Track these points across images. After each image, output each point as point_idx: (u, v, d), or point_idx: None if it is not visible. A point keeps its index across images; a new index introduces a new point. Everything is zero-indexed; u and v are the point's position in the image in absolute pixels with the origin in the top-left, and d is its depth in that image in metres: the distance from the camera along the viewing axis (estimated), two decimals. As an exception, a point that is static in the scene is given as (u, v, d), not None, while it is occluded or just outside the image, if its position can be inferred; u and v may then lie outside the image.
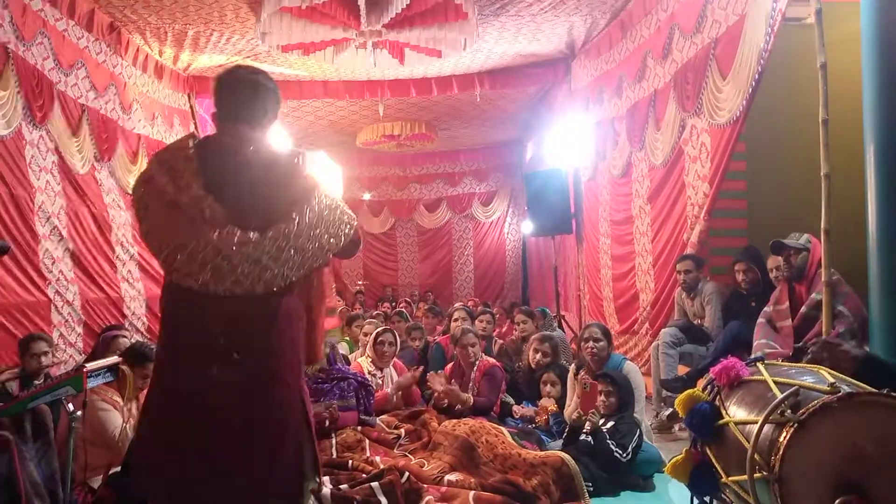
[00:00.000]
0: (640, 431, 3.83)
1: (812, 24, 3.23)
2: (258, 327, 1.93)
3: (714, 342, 4.66)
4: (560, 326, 7.42)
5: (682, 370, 4.82)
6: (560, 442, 4.06)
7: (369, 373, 4.94)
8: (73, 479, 3.04)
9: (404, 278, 13.71)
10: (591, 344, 4.32)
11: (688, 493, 1.87)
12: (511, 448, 3.80)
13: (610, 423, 3.82)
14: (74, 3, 5.42)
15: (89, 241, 5.52)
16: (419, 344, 6.06)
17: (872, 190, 2.96)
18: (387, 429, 4.43)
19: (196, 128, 7.78)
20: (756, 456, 1.46)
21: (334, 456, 3.91)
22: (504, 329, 7.57)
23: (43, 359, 3.94)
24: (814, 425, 1.43)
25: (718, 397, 1.70)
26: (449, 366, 5.07)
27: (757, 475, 1.46)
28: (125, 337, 4.39)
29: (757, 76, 4.28)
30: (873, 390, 1.48)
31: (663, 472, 3.65)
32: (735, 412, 1.62)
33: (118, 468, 3.35)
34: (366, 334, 5.55)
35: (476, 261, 13.64)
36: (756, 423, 1.48)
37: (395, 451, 4.16)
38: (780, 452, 1.42)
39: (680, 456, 1.76)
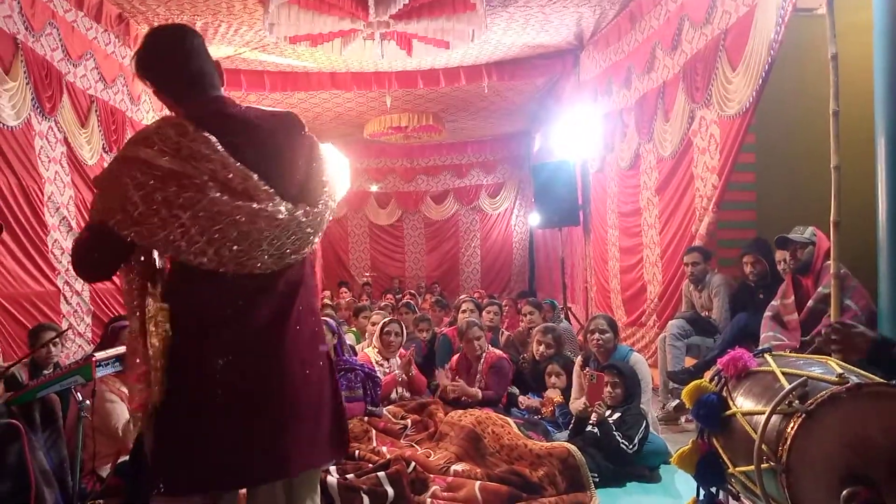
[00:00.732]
0: (647, 423, 3.83)
1: (823, 14, 3.19)
2: (286, 297, 1.85)
3: (721, 334, 4.65)
4: (567, 318, 7.41)
5: (689, 362, 4.81)
6: (566, 433, 4.06)
7: (376, 363, 4.96)
8: (82, 467, 3.06)
9: (411, 270, 13.72)
10: (597, 336, 4.33)
11: (694, 484, 1.87)
12: (517, 439, 3.81)
13: (616, 415, 3.82)
14: (83, -7, 5.44)
15: (98, 232, 5.54)
16: (426, 335, 6.07)
17: (882, 182, 2.94)
18: (393, 419, 4.44)
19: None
20: (763, 446, 1.46)
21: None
22: (510, 321, 7.58)
23: (52, 349, 3.96)
24: (822, 416, 1.42)
25: (725, 388, 1.70)
26: (455, 357, 5.08)
27: (764, 466, 1.46)
28: (133, 327, 4.41)
29: (767, 67, 4.25)
30: (882, 381, 1.47)
31: (670, 464, 3.66)
32: (742, 403, 1.62)
33: (126, 457, 3.39)
34: (373, 325, 5.57)
35: (483, 253, 13.64)
36: (763, 413, 1.48)
37: (401, 441, 4.18)
38: (788, 443, 1.41)
39: (687, 447, 1.76)
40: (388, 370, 5.02)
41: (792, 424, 1.42)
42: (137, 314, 1.80)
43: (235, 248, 1.69)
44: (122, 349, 3.18)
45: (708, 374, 1.79)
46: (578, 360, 4.57)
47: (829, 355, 1.94)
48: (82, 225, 5.29)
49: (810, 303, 3.81)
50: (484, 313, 6.33)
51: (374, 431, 4.15)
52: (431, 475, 3.56)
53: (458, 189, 13.50)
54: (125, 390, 3.51)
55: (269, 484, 1.90)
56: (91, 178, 5.44)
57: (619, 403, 3.90)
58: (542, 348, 4.96)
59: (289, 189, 1.82)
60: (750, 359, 1.68)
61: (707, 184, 5.14)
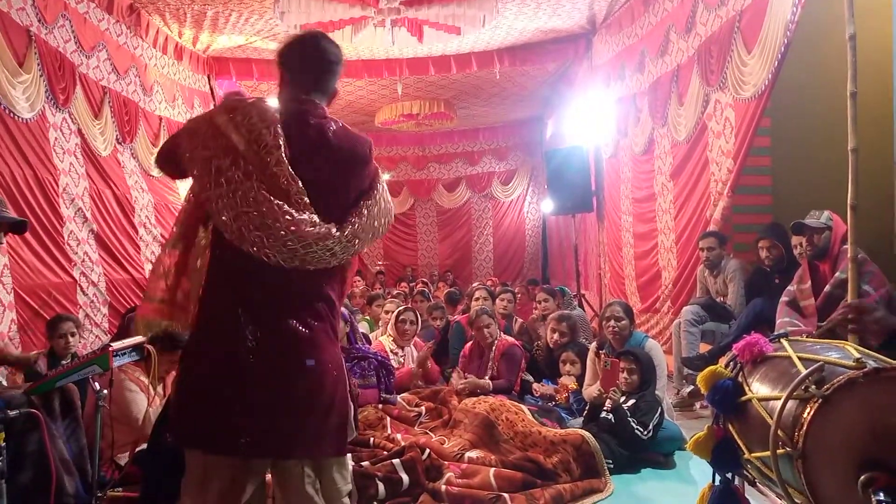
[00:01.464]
0: (662, 409, 3.82)
1: (841, -7, 3.13)
2: (309, 295, 1.94)
3: (736, 320, 4.62)
4: (580, 305, 7.40)
5: (704, 348, 4.79)
6: (580, 420, 4.06)
7: (391, 351, 4.98)
8: (101, 456, 3.10)
9: (424, 258, 13.73)
10: (612, 323, 4.31)
11: (709, 471, 1.86)
12: (531, 426, 3.82)
13: (631, 401, 3.82)
14: (94, -15, 5.45)
15: (113, 223, 5.59)
16: (440, 323, 6.08)
17: (901, 164, 2.89)
18: (407, 407, 4.46)
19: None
20: (780, 432, 1.45)
21: (356, 433, 3.95)
22: (523, 308, 7.56)
23: (70, 339, 4.01)
24: (839, 401, 1.40)
25: (741, 374, 1.68)
26: (468, 345, 5.08)
27: (780, 451, 1.44)
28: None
29: (783, 49, 4.19)
30: (901, 366, 1.45)
31: (684, 450, 3.66)
32: (758, 388, 1.60)
33: (144, 446, 3.43)
34: (387, 312, 5.59)
35: (495, 240, 13.61)
36: (779, 399, 1.47)
37: (415, 428, 4.20)
38: (804, 428, 1.40)
39: (702, 433, 1.75)
40: (402, 358, 5.04)
41: (808, 410, 1.41)
42: (184, 232, 2.01)
43: (255, 233, 1.80)
44: (139, 339, 3.21)
45: (723, 360, 1.77)
46: (593, 346, 4.56)
47: (846, 338, 1.92)
48: (97, 216, 5.35)
49: (828, 288, 3.77)
50: (497, 301, 6.33)
51: (388, 419, 4.17)
52: (446, 462, 3.58)
53: (471, 176, 13.46)
54: (144, 380, 3.55)
55: (297, 464, 1.97)
56: (105, 170, 5.51)
57: (635, 390, 3.89)
58: (556, 336, 4.95)
59: (331, 207, 1.92)
60: (766, 344, 1.66)
61: (722, 168, 5.09)
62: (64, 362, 3.77)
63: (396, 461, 3.42)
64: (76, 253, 5.01)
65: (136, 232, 5.97)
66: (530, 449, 3.66)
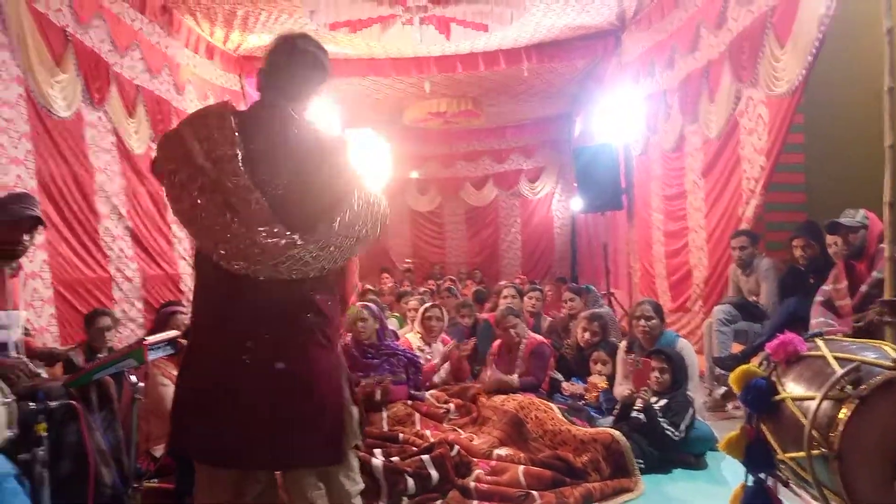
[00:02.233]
0: (693, 409, 3.79)
1: (878, -15, 3.07)
2: (293, 305, 1.92)
3: (769, 319, 4.55)
4: (609, 304, 7.34)
5: (737, 348, 4.73)
6: (610, 419, 4.04)
7: (418, 348, 5.01)
8: (137, 447, 3.17)
9: (452, 256, 13.72)
10: (642, 322, 4.28)
11: (741, 472, 1.84)
12: (560, 424, 3.81)
13: (662, 401, 3.79)
14: (128, -14, 5.55)
15: (147, 220, 5.69)
16: (468, 321, 6.09)
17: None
18: (436, 403, 4.48)
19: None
20: (814, 432, 1.43)
21: (385, 429, 3.99)
22: (551, 306, 7.53)
23: (107, 333, 4.10)
24: (875, 402, 1.39)
25: (775, 373, 1.66)
26: (497, 343, 5.08)
27: (815, 452, 1.43)
28: (183, 313, 4.52)
29: (817, 44, 4.11)
30: (941, 367, 1.42)
31: (716, 450, 3.62)
32: (792, 388, 1.58)
33: (179, 438, 3.49)
34: (414, 310, 5.61)
35: (524, 238, 13.54)
36: (814, 399, 1.45)
37: (444, 425, 4.21)
38: (840, 429, 1.38)
39: (734, 432, 1.73)
40: (429, 355, 5.06)
41: (844, 410, 1.39)
42: None
43: (223, 247, 1.79)
44: (173, 333, 3.27)
45: (756, 359, 1.75)
46: (623, 345, 4.53)
47: (882, 338, 1.89)
48: (132, 213, 5.46)
49: (864, 287, 3.70)
50: (526, 299, 6.32)
51: (417, 415, 4.20)
52: (475, 459, 3.60)
53: (498, 174, 13.40)
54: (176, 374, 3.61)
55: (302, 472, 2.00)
56: (139, 168, 5.61)
57: (666, 390, 3.86)
58: (587, 335, 4.92)
59: (301, 212, 1.87)
60: (800, 343, 1.64)
61: (755, 165, 5.01)
62: (100, 356, 3.85)
63: (426, 457, 3.44)
64: (112, 249, 5.12)
65: (170, 228, 6.07)
66: (560, 447, 3.65)
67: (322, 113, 7.85)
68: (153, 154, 5.82)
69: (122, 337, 4.93)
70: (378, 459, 3.36)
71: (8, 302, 3.07)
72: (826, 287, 3.95)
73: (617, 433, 3.59)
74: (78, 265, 4.70)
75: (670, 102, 6.60)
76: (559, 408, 4.06)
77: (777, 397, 1.60)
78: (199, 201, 1.78)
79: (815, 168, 5.20)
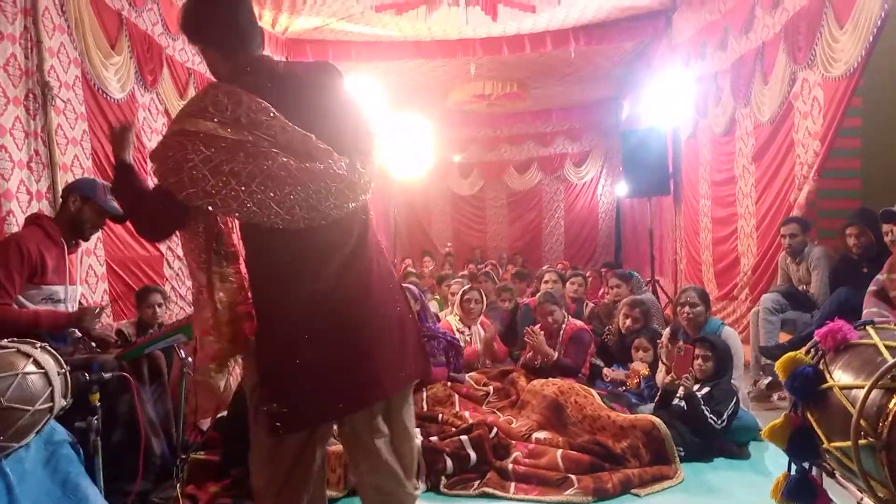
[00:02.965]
0: (737, 398, 3.73)
1: (946, -38, 2.93)
2: (349, 240, 1.93)
3: (820, 309, 4.43)
4: (654, 291, 7.24)
5: (784, 338, 4.62)
6: (651, 406, 4.00)
7: (457, 330, 5.03)
8: (185, 420, 3.27)
9: (493, 241, 13.68)
10: (687, 309, 4.22)
11: (783, 463, 1.81)
12: (600, 409, 3.79)
13: (705, 389, 3.74)
14: (180, -31, 5.65)
15: (197, 200, 5.82)
16: (509, 305, 6.09)
17: None
18: (476, 385, 4.50)
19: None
20: (862, 421, 1.39)
21: (425, 409, 4.03)
22: (601, 292, 7.48)
23: (157, 309, 4.22)
24: (928, 393, 1.34)
25: (822, 361, 1.62)
26: (536, 327, 5.06)
27: (862, 441, 1.39)
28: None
29: (879, 23, 3.95)
30: None
31: (759, 440, 3.56)
32: (840, 377, 1.54)
33: (224, 413, 3.60)
34: (453, 294, 5.64)
35: (567, 223, 13.41)
36: (863, 387, 1.41)
37: (483, 407, 4.23)
38: (890, 419, 1.34)
39: (779, 420, 1.69)
40: (469, 337, 5.08)
41: (894, 400, 1.35)
42: (205, 269, 1.90)
43: (305, 206, 1.76)
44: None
45: (804, 347, 1.71)
46: (666, 332, 4.48)
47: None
48: (182, 193, 5.57)
49: (920, 277, 3.57)
50: (568, 284, 6.29)
51: (456, 396, 4.23)
52: (513, 441, 3.61)
53: (542, 158, 13.27)
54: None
55: (368, 419, 1.99)
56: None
57: (710, 378, 3.80)
58: (629, 322, 4.88)
59: (339, 138, 1.86)
60: (850, 331, 1.60)
61: (808, 150, 4.86)
62: (151, 331, 3.98)
63: (464, 438, 3.47)
64: (163, 227, 5.25)
65: (218, 208, 6.19)
66: (599, 433, 3.64)
67: (368, 96, 7.89)
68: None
69: (171, 313, 5.07)
70: (417, 439, 3.39)
71: (66, 277, 3.19)
72: (880, 276, 3.82)
73: (657, 420, 3.55)
74: (131, 243, 4.84)
75: (721, 85, 6.44)
76: (599, 393, 4.03)
77: (824, 385, 1.56)
78: (267, 177, 1.70)
79: (871, 153, 5.02)
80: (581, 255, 13.00)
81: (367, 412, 1.98)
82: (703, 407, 3.58)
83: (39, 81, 3.96)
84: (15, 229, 3.55)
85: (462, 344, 4.89)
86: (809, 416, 1.63)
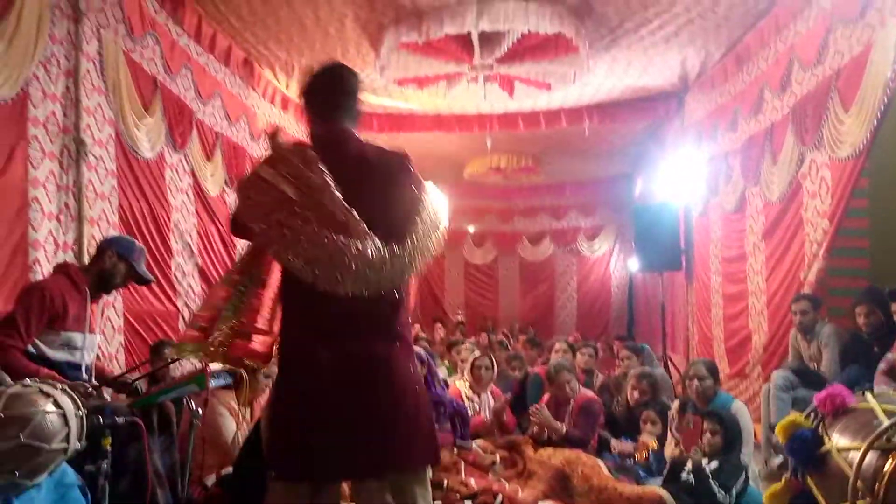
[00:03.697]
0: (746, 475, 3.67)
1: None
2: (379, 316, 2.03)
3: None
4: (666, 367, 7.19)
5: (795, 415, 4.56)
6: (659, 479, 3.94)
7: (467, 397, 5.01)
8: (191, 474, 3.27)
9: (505, 310, 13.66)
10: (696, 382, 4.20)
11: (789, 530, 1.81)
12: (607, 481, 3.75)
13: (714, 464, 3.68)
14: (215, 39, 5.96)
15: (215, 258, 5.96)
16: (518, 374, 6.07)
17: None
18: (482, 453, 4.46)
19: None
20: (859, 483, 1.42)
21: (431, 475, 3.98)
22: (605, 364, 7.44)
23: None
24: (924, 456, 1.37)
25: (822, 425, 1.65)
26: (545, 397, 5.05)
27: (860, 503, 1.41)
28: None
29: (882, 108, 4.09)
30: None
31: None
32: (838, 440, 1.57)
33: (229, 469, 3.59)
34: (463, 360, 5.65)
35: (580, 296, 13.40)
36: (860, 449, 1.44)
37: (490, 475, 4.19)
38: (885, 480, 1.37)
39: (779, 484, 1.71)
40: (478, 405, 5.06)
41: (890, 461, 1.38)
42: (235, 274, 2.17)
43: (328, 270, 1.89)
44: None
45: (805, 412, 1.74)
46: (675, 404, 4.45)
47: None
48: (202, 251, 5.73)
49: (930, 356, 3.57)
50: (578, 355, 6.28)
51: (463, 463, 4.19)
52: (518, 509, 3.56)
53: (556, 231, 13.40)
54: (234, 405, 3.74)
55: (377, 482, 2.02)
56: (212, 209, 5.91)
57: (718, 452, 3.75)
58: (636, 394, 4.86)
59: (385, 225, 1.99)
60: (848, 395, 1.63)
61: (817, 229, 4.94)
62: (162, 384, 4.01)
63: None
64: (181, 284, 5.37)
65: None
66: (605, 504, 3.59)
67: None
68: (227, 197, 6.16)
69: (183, 368, 5.11)
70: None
71: (86, 325, 3.28)
72: (890, 355, 3.83)
73: (665, 493, 3.51)
74: (149, 297, 4.95)
75: (732, 164, 6.59)
76: (606, 465, 3.99)
77: (823, 448, 1.59)
78: (301, 232, 1.88)
79: (879, 234, 5.07)
80: (593, 329, 12.92)
81: (376, 482, 2.03)
82: (711, 481, 3.53)
83: (75, 138, 4.16)
84: (39, 277, 3.67)
85: (471, 412, 4.86)
86: (810, 480, 1.65)
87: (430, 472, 2.21)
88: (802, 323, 4.83)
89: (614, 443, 4.70)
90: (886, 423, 1.44)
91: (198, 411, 3.12)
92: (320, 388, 1.95)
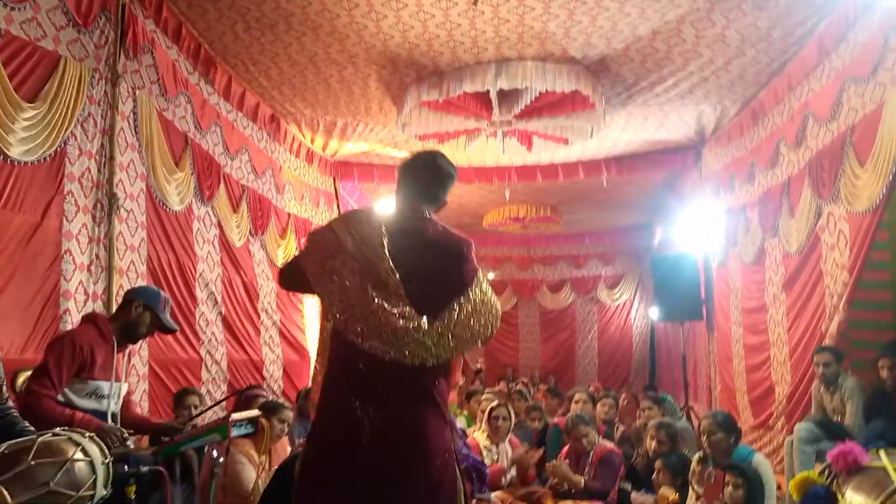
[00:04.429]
0: (769, 531, 3.61)
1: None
2: (414, 388, 2.10)
3: (854, 440, 4.33)
4: (688, 417, 7.10)
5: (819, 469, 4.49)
6: (680, 534, 3.88)
7: (484, 447, 5.00)
8: (211, 523, 3.30)
9: (525, 359, 13.59)
10: (704, 438, 4.14)
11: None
12: (627, 535, 3.70)
13: (735, 519, 3.63)
14: (244, 97, 6.20)
15: (239, 307, 6.07)
16: (538, 425, 6.04)
17: None
18: (501, 505, 4.43)
19: (338, 208, 8.47)
20: (871, 542, 1.43)
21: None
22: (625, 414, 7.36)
23: (193, 411, 4.34)
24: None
25: (835, 482, 1.66)
26: (566, 448, 5.02)
27: (873, 562, 1.42)
28: (264, 397, 4.75)
29: (898, 162, 4.13)
30: None
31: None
32: (852, 498, 1.58)
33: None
34: (482, 410, 5.64)
35: (601, 345, 13.31)
36: (872, 508, 1.45)
37: (508, 527, 4.15)
38: (897, 539, 1.38)
39: (795, 542, 1.71)
40: (496, 455, 5.04)
41: (901, 520, 1.39)
42: (322, 334, 2.29)
43: (359, 325, 2.01)
44: (255, 412, 3.47)
45: (818, 468, 1.75)
46: (696, 457, 4.39)
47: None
48: (226, 300, 5.84)
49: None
50: (599, 406, 6.23)
51: (482, 515, 4.16)
52: (536, 563, 3.52)
53: (576, 279, 13.42)
54: (254, 454, 3.78)
55: None
56: (237, 259, 6.05)
57: (739, 507, 3.70)
58: (654, 444, 4.81)
59: (429, 302, 2.10)
60: (861, 453, 1.65)
61: (837, 281, 4.93)
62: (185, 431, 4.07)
63: (487, 556, 3.40)
64: (205, 333, 5.46)
65: (259, 317, 6.43)
66: (624, 559, 3.54)
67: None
68: (251, 247, 6.30)
69: (204, 417, 5.17)
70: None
71: (112, 374, 3.36)
72: (914, 409, 3.78)
73: (686, 549, 3.45)
74: (174, 346, 5.04)
75: (750, 216, 6.62)
76: (627, 519, 3.94)
77: (836, 506, 1.60)
78: (347, 283, 2.05)
79: (901, 286, 5.04)
80: (615, 378, 12.80)
81: None
82: (733, 537, 3.48)
83: (108, 192, 4.33)
84: (69, 327, 3.78)
85: (488, 461, 4.84)
86: (826, 538, 1.65)
87: None
88: (825, 375, 4.79)
89: (634, 495, 4.65)
90: (896, 481, 1.46)
91: (219, 460, 3.16)
92: (351, 450, 2.03)
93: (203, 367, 5.41)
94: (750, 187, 6.62)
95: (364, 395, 2.06)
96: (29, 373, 3.19)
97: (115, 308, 4.02)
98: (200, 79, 5.48)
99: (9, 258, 3.55)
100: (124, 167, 4.51)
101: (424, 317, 2.06)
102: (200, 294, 5.46)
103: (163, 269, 4.95)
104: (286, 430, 4.17)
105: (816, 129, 5.24)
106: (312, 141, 7.81)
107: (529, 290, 13.56)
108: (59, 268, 3.91)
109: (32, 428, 2.52)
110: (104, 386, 3.30)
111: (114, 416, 3.35)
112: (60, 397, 3.12)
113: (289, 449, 4.33)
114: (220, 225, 5.79)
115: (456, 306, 2.13)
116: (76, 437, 2.22)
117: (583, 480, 4.53)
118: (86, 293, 4.14)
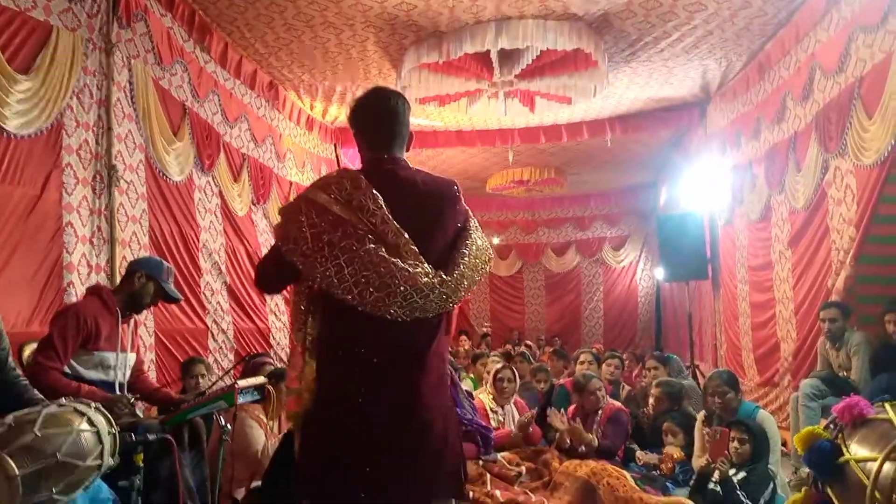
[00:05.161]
0: (774, 485, 3.63)
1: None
2: (421, 344, 2.05)
3: (860, 395, 4.34)
4: (694, 377, 7.13)
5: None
6: (686, 490, 3.92)
7: (490, 409, 5.02)
8: (220, 488, 3.34)
9: (531, 322, 13.64)
10: (717, 399, 4.15)
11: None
12: (633, 492, 3.73)
13: (741, 474, 3.65)
14: (241, 64, 6.12)
15: (244, 276, 6.08)
16: (544, 386, 6.06)
17: None
18: (508, 465, 4.47)
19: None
20: (876, 493, 1.42)
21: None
22: (634, 374, 7.41)
23: (200, 380, 4.37)
24: (942, 465, 1.37)
25: (840, 435, 1.65)
26: (572, 408, 5.04)
27: (877, 514, 1.42)
28: (270, 364, 4.77)
29: (907, 113, 4.06)
30: None
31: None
32: (857, 450, 1.57)
33: (258, 482, 3.65)
34: (489, 372, 5.66)
35: (606, 306, 13.34)
36: (877, 460, 1.44)
37: (515, 487, 4.19)
38: (902, 491, 1.37)
39: (799, 495, 1.71)
40: (502, 417, 5.07)
41: (907, 471, 1.38)
42: (301, 332, 2.11)
43: (375, 294, 1.91)
44: (261, 379, 3.49)
45: (823, 422, 1.75)
46: (701, 415, 4.42)
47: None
48: (231, 270, 5.84)
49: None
50: (604, 366, 6.25)
51: (488, 475, 4.19)
52: (544, 522, 3.56)
53: (581, 241, 13.38)
54: (263, 417, 3.82)
55: None
56: (240, 228, 6.04)
57: (746, 462, 3.73)
58: (652, 401, 4.84)
59: (434, 252, 2.03)
60: (866, 406, 1.64)
61: (844, 236, 4.89)
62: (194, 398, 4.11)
63: (494, 517, 3.44)
64: (210, 302, 5.48)
65: (263, 285, 6.43)
66: (631, 515, 3.57)
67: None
68: (254, 216, 6.27)
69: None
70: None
71: (118, 345, 3.38)
72: (921, 363, 3.77)
73: (690, 503, 3.48)
74: (179, 316, 5.06)
75: (756, 173, 6.55)
76: (633, 476, 3.97)
77: (841, 459, 1.59)
78: (361, 253, 1.90)
79: (910, 240, 4.99)
80: (621, 339, 12.85)
81: None
82: (738, 492, 3.50)
83: (107, 164, 4.31)
84: (73, 299, 3.79)
85: (494, 423, 4.87)
86: (831, 492, 1.65)
87: None
88: (831, 331, 4.78)
89: (639, 454, 4.68)
90: (902, 433, 1.45)
91: (227, 427, 3.19)
92: (354, 419, 1.99)
93: (209, 336, 5.44)
94: (756, 143, 6.54)
95: (366, 363, 2.00)
96: (34, 345, 3.20)
97: (118, 279, 4.03)
98: (196, 46, 5.40)
99: (10, 232, 3.55)
100: (122, 138, 4.47)
101: (441, 270, 2.00)
102: (204, 264, 5.46)
103: (165, 239, 4.95)
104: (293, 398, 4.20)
105: (823, 82, 5.14)
106: (312, 107, 7.73)
107: (534, 253, 13.54)
108: (60, 240, 3.91)
109: (41, 396, 2.53)
110: (110, 357, 3.32)
111: (121, 386, 3.38)
112: (67, 369, 3.15)
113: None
114: (221, 194, 5.76)
115: (465, 250, 2.08)
116: (81, 407, 2.22)
117: (596, 439, 4.56)
118: (89, 265, 4.14)
